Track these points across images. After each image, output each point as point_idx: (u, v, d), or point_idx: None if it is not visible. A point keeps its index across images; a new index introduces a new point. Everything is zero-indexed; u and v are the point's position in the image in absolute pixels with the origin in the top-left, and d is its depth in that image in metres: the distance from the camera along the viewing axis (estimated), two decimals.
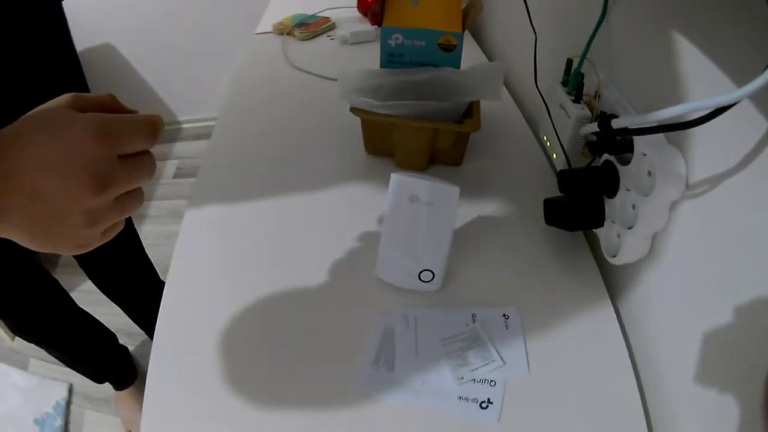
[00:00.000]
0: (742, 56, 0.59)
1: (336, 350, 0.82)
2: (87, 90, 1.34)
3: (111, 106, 0.53)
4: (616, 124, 0.74)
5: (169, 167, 3.06)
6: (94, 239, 0.51)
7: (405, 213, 0.83)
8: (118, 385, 1.94)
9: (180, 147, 3.24)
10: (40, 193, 0.45)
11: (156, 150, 0.53)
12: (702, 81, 0.67)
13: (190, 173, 2.98)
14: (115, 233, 0.55)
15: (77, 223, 0.47)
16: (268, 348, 0.83)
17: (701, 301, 0.70)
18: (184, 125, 3.32)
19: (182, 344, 0.84)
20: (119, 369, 1.93)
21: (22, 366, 2.13)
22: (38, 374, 2.09)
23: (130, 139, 0.50)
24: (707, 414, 0.69)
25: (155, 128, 0.52)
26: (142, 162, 0.52)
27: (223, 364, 0.80)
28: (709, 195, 0.67)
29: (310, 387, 0.78)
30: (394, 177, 0.83)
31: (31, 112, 0.48)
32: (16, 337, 2.14)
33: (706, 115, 0.58)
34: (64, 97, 0.50)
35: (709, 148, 0.67)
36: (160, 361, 0.82)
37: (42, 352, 1.68)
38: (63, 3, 1.22)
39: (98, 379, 1.89)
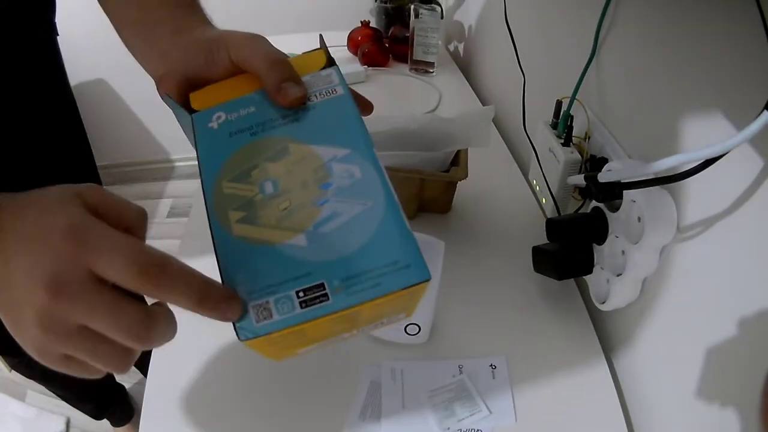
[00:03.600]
0: (740, 94, 0.59)
1: (323, 403, 0.80)
2: (81, 126, 1.31)
3: (133, 227, 0.46)
4: (602, 177, 0.73)
5: (162, 206, 3.01)
6: (51, 354, 0.43)
7: None
8: (116, 422, 1.95)
9: (173, 186, 3.19)
10: (7, 257, 0.42)
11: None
12: (697, 118, 0.67)
13: (184, 212, 2.93)
14: (86, 374, 0.45)
15: (30, 317, 0.40)
16: (258, 397, 0.81)
17: (694, 345, 0.69)
18: (178, 164, 3.29)
19: (175, 385, 0.82)
20: (117, 406, 1.93)
21: (20, 397, 2.12)
22: (35, 406, 2.09)
23: (105, 256, 0.40)
24: None
25: (142, 263, 0.40)
26: (108, 346, 0.42)
27: (213, 411, 0.79)
28: (700, 238, 0.67)
29: None
30: None
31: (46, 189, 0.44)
32: None
33: (696, 167, 0.58)
34: (88, 186, 0.45)
35: (702, 190, 0.66)
36: (154, 400, 0.81)
37: (39, 385, 1.67)
38: (58, 37, 1.20)
39: (97, 416, 1.89)
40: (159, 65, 0.60)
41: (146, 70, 0.63)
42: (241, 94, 0.54)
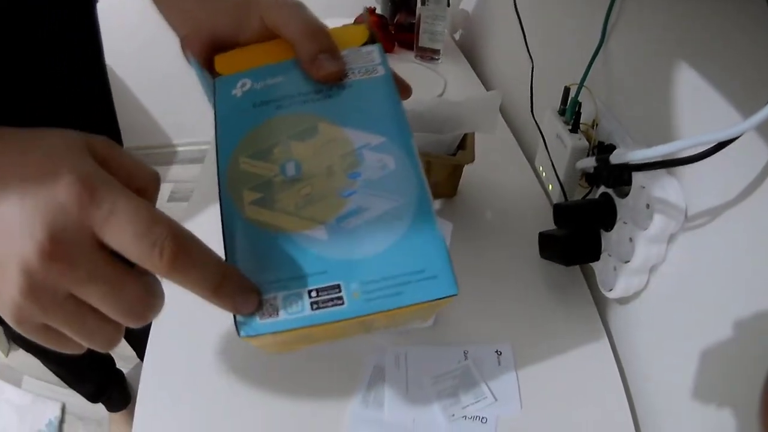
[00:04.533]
0: (746, 84, 0.58)
1: (325, 387, 0.80)
2: (111, 107, 1.28)
3: (143, 191, 0.40)
4: (614, 159, 0.72)
5: (163, 191, 3.02)
6: (29, 322, 0.36)
7: None
8: (113, 407, 1.94)
9: (175, 170, 3.21)
10: None
11: None
12: (703, 108, 0.66)
13: (185, 197, 2.95)
14: (64, 348, 0.40)
15: (13, 278, 0.34)
16: (258, 382, 0.80)
17: (699, 335, 0.68)
18: (179, 148, 3.31)
19: (172, 370, 0.82)
20: (115, 389, 1.92)
21: (16, 383, 2.13)
22: (32, 392, 2.09)
23: (116, 219, 0.34)
24: None
25: (158, 235, 0.35)
26: (97, 320, 0.37)
27: (211, 397, 0.78)
28: (709, 226, 0.66)
29: (300, 423, 0.76)
30: None
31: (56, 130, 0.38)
32: (11, 353, 2.15)
33: (707, 150, 0.57)
34: (100, 138, 0.39)
35: (710, 178, 0.66)
36: (150, 386, 0.80)
37: (36, 370, 1.65)
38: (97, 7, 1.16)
39: (93, 399, 1.87)
40: (184, 24, 0.57)
41: (171, 27, 0.60)
42: (270, 61, 0.50)
